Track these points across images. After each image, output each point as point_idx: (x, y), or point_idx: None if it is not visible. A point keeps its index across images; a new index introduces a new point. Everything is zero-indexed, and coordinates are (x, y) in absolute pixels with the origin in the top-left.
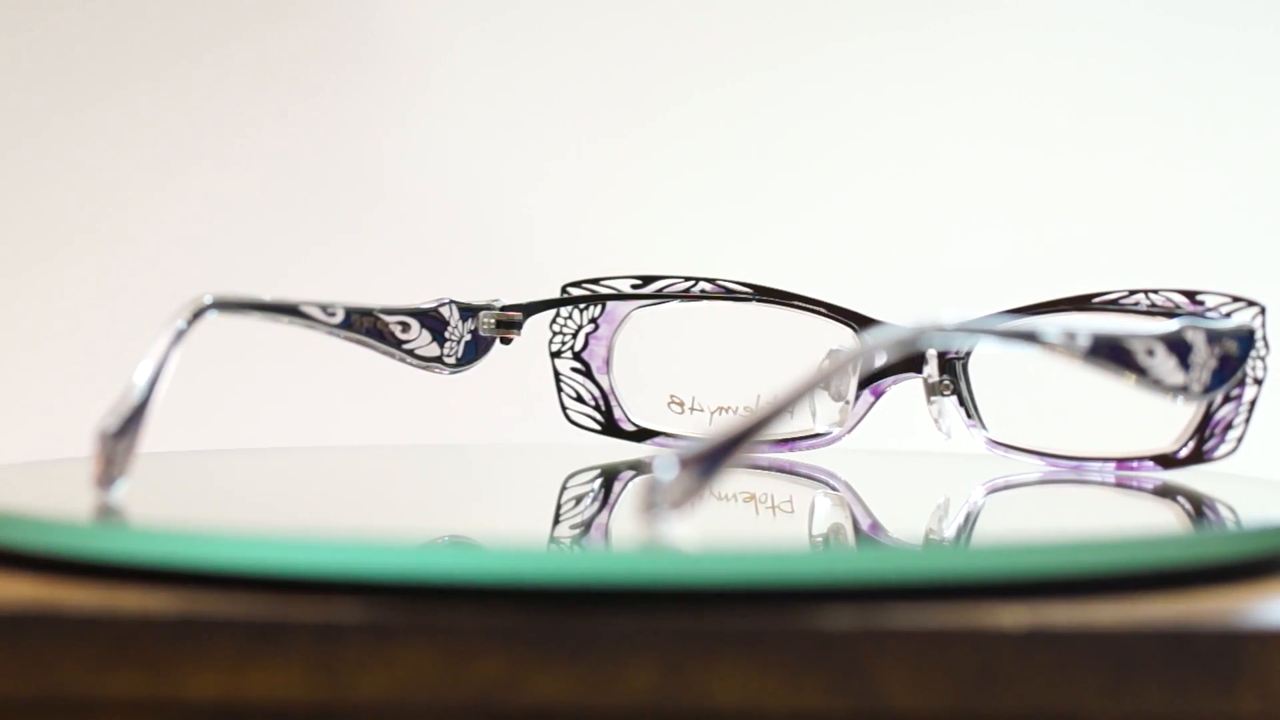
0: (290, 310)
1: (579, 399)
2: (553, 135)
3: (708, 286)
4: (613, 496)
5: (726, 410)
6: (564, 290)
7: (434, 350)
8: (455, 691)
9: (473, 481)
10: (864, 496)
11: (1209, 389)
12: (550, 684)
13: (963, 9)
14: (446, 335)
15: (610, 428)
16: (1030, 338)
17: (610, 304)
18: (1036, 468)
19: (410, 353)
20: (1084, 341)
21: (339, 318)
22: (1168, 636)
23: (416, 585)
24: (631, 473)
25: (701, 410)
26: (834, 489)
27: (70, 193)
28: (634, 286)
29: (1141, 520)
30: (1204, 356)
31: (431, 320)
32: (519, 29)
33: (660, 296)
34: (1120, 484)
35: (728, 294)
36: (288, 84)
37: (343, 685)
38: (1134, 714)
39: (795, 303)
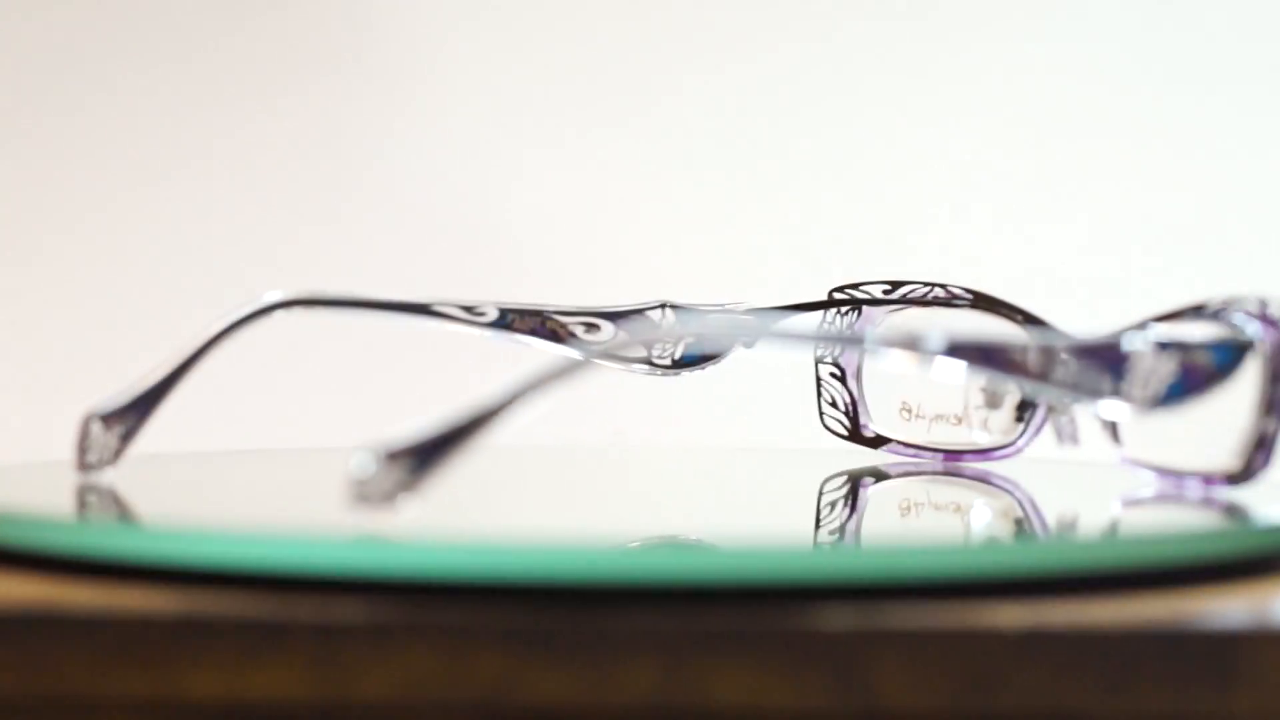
0: (419, 309)
1: (833, 404)
2: (551, 132)
3: (940, 292)
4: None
5: (943, 418)
6: (830, 295)
7: (638, 351)
8: (456, 691)
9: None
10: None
11: (1164, 401)
12: (551, 684)
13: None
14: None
15: (854, 434)
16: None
17: (866, 309)
18: (1150, 483)
19: (607, 353)
20: (935, 345)
21: (489, 317)
22: (1166, 636)
23: (418, 584)
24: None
25: (922, 418)
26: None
27: (67, 191)
28: (884, 292)
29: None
30: (1151, 366)
31: (636, 322)
32: (516, 24)
33: (904, 301)
34: (1204, 499)
35: (949, 300)
36: (283, 83)
37: (344, 685)
38: (1132, 714)
39: (1002, 311)
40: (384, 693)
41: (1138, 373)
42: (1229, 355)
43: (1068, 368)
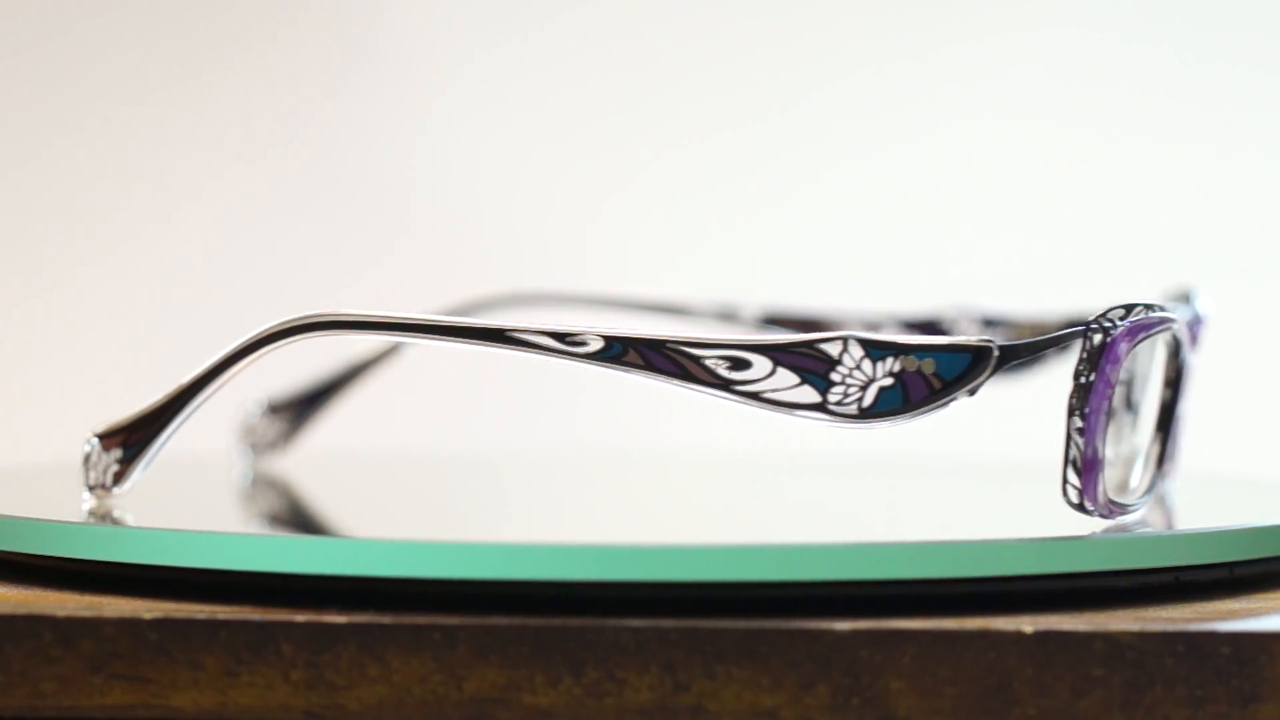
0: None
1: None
2: (563, 139)
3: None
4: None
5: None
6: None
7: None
8: (451, 700)
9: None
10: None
11: (876, 413)
12: (548, 692)
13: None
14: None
15: None
16: (504, 338)
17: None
18: None
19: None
20: (595, 345)
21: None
22: (1184, 646)
23: (410, 591)
24: None
25: None
26: None
27: (86, 198)
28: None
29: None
30: (860, 374)
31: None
32: (528, 32)
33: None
34: None
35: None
36: (295, 91)
37: (334, 696)
38: None
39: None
40: (376, 701)
41: (842, 380)
42: (959, 362)
43: (756, 372)
